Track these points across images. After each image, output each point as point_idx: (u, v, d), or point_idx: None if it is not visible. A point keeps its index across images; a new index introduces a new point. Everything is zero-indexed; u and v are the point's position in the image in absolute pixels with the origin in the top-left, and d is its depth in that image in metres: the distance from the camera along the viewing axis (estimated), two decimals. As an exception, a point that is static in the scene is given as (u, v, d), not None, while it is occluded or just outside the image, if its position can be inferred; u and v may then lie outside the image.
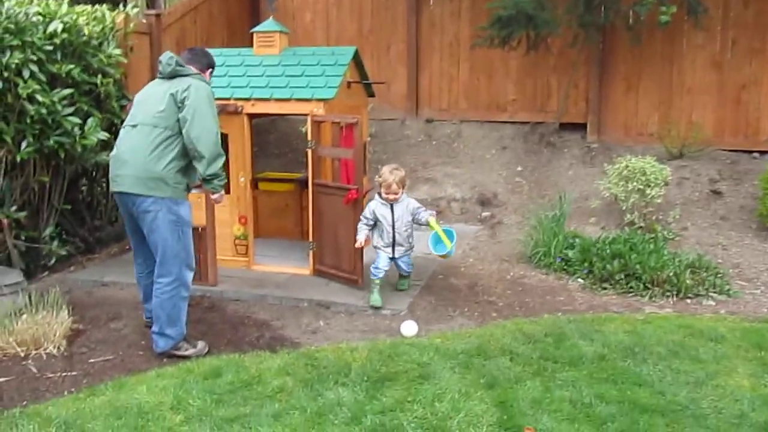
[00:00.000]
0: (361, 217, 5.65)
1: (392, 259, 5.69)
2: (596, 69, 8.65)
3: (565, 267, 6.36)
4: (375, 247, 5.72)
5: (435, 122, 9.44)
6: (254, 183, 6.76)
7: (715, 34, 8.17)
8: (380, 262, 5.60)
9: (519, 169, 8.68)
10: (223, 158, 4.59)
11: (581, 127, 8.92)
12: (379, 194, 5.66)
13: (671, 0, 7.21)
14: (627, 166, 7.15)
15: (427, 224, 5.63)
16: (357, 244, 5.63)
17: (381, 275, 5.56)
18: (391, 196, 5.58)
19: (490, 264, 6.62)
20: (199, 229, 5.58)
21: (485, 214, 7.99)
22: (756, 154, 8.19)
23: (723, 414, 3.82)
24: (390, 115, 9.48)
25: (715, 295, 5.87)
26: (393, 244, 5.64)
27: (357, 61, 6.63)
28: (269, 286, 5.90)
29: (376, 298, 5.48)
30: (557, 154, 8.78)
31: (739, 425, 3.71)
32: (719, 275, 6.12)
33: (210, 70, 4.95)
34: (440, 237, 5.59)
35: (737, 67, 8.20)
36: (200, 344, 4.68)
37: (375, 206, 5.63)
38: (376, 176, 5.80)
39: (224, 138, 6.18)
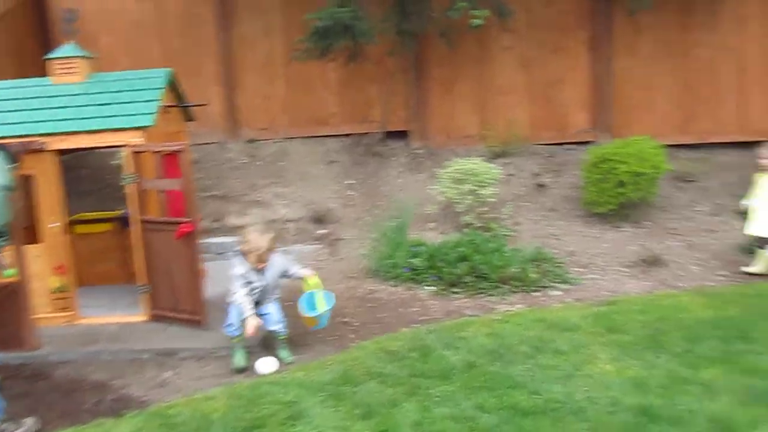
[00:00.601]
0: (235, 283, 4.81)
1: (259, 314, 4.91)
2: (414, 76, 8.72)
3: (414, 276, 6.26)
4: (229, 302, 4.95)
5: (257, 142, 9.07)
6: (69, 227, 6.03)
7: (522, 36, 8.51)
8: (232, 317, 4.82)
9: (349, 182, 8.54)
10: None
11: (406, 134, 8.95)
12: (242, 255, 4.89)
13: (481, 3, 7.39)
14: (458, 169, 7.21)
15: (303, 281, 5.02)
16: (251, 329, 4.63)
17: (237, 332, 4.79)
18: (261, 265, 4.89)
19: (336, 283, 6.37)
20: (8, 286, 4.84)
21: (321, 231, 7.74)
22: (568, 146, 8.63)
23: (598, 404, 3.83)
24: (208, 139, 8.98)
25: (558, 284, 6.03)
26: (257, 303, 4.93)
27: (173, 83, 6.14)
28: (101, 341, 5.25)
29: (238, 359, 4.76)
30: (385, 164, 8.74)
31: (615, 412, 3.73)
32: (558, 265, 6.31)
33: None
34: (315, 297, 4.98)
35: (544, 66, 8.59)
36: (29, 422, 4.02)
37: (243, 270, 4.85)
38: (240, 239, 5.00)
39: (28, 180, 5.46)
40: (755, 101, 8.42)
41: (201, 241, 5.62)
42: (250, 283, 4.86)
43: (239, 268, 4.85)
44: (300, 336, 5.13)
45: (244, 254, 4.86)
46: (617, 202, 7.14)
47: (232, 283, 4.85)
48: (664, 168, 7.20)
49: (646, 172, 7.04)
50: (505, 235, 7.02)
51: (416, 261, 6.32)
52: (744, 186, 7.65)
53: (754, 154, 8.10)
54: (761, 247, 6.02)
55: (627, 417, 3.66)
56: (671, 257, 6.53)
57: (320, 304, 4.97)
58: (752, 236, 6.14)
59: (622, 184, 7.03)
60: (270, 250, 4.88)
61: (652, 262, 6.39)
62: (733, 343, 4.54)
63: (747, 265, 6.16)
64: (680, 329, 4.82)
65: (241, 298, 4.75)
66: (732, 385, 3.97)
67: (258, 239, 4.84)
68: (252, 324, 4.63)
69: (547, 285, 5.98)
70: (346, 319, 5.53)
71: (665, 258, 6.47)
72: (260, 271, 4.90)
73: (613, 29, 8.45)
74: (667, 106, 8.53)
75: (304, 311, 4.94)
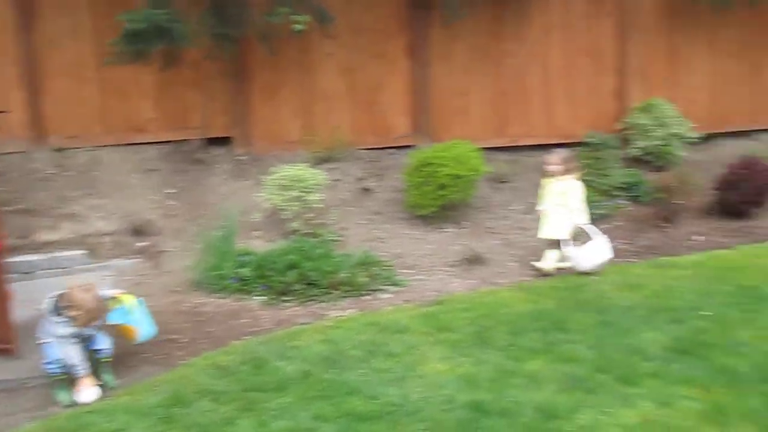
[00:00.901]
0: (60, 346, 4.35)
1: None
2: (235, 81, 8.50)
3: (242, 287, 6.09)
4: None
5: (67, 151, 8.42)
6: None
7: (343, 42, 8.57)
8: (53, 355, 4.39)
9: (169, 191, 8.16)
10: None
11: (228, 140, 8.71)
12: (57, 311, 4.40)
13: (302, 8, 7.35)
14: (284, 175, 7.13)
15: (115, 300, 4.67)
16: (88, 396, 4.32)
17: (58, 370, 4.38)
18: (93, 323, 4.45)
19: (160, 298, 6.05)
20: None
21: (141, 244, 7.34)
22: (392, 150, 8.81)
23: (433, 403, 3.92)
24: (10, 148, 8.21)
25: (388, 287, 6.13)
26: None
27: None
28: None
29: (63, 396, 4.35)
30: (207, 171, 8.45)
31: (450, 410, 3.84)
32: (386, 268, 6.42)
33: None
34: (128, 308, 4.65)
35: (365, 71, 8.71)
36: None
37: (70, 332, 4.37)
38: (59, 295, 4.47)
39: None
40: (560, 105, 9.06)
41: (6, 260, 5.13)
42: (79, 335, 4.44)
43: (63, 330, 4.37)
44: (125, 357, 4.82)
45: (72, 318, 4.37)
46: (439, 204, 7.39)
47: (47, 331, 4.42)
48: (482, 170, 7.55)
49: (465, 174, 7.34)
50: (333, 240, 7.03)
51: (244, 271, 6.16)
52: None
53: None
54: (557, 248, 6.35)
55: (461, 414, 3.78)
56: (491, 255, 6.86)
57: (132, 311, 4.67)
58: (547, 239, 6.46)
59: (443, 186, 7.29)
60: (99, 310, 4.45)
61: (473, 260, 6.68)
62: (552, 333, 4.84)
63: (546, 261, 6.49)
64: (503, 324, 5.06)
65: (72, 358, 4.35)
66: (554, 374, 4.23)
67: (83, 297, 4.36)
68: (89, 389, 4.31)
69: (376, 288, 6.06)
70: (172, 336, 5.27)
71: (486, 256, 6.78)
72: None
73: (431, 36, 8.74)
74: (483, 111, 8.96)
75: (121, 321, 4.64)
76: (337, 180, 8.12)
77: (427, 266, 6.65)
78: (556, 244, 6.35)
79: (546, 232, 6.43)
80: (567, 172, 6.39)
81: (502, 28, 8.85)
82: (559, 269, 6.35)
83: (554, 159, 6.45)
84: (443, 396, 3.99)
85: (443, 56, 8.78)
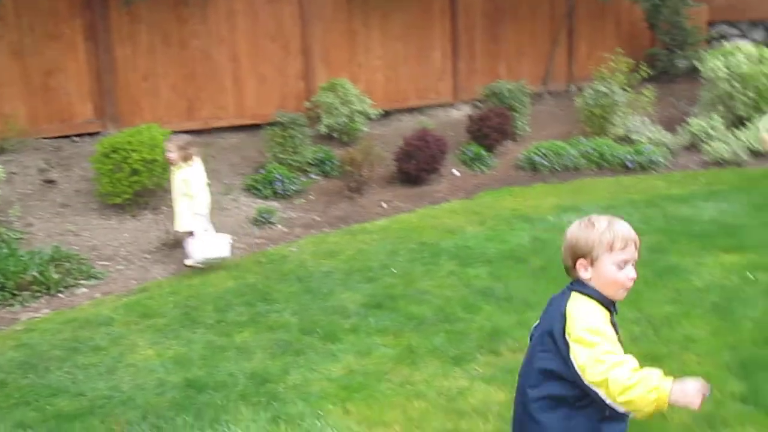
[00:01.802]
0: None
1: None
2: None
3: None
4: None
5: None
6: None
7: (11, 23, 7.79)
8: None
9: None
10: None
11: None
12: None
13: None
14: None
15: None
16: None
17: None
18: None
19: None
20: None
21: None
22: (75, 138, 8.28)
23: (146, 388, 3.88)
24: None
25: (84, 281, 5.83)
26: None
27: None
28: None
29: None
30: None
31: (163, 392, 3.83)
32: (82, 261, 6.08)
33: None
34: None
35: (40, 55, 8.03)
36: None
37: None
38: None
39: None
40: (249, 88, 9.21)
41: None
42: None
43: None
44: None
45: None
46: (133, 191, 7.13)
47: None
48: (176, 154, 7.43)
49: (159, 159, 7.18)
50: (17, 238, 6.44)
51: None
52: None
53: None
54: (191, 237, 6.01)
55: (175, 393, 3.79)
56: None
57: None
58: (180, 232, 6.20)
59: (136, 172, 7.04)
60: None
61: (173, 245, 6.59)
62: (258, 305, 5.02)
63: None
64: (210, 303, 5.13)
65: None
66: (262, 342, 4.41)
67: None
68: None
69: (72, 284, 5.72)
70: None
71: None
72: None
73: (110, 19, 8.30)
74: (172, 95, 8.78)
75: None
76: (14, 173, 7.43)
77: (126, 256, 6.43)
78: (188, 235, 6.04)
79: (177, 225, 6.12)
80: (184, 159, 6.03)
81: (184, 10, 8.73)
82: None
83: (170, 147, 6.08)
84: (155, 380, 3.95)
85: (127, 38, 8.42)
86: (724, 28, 13.01)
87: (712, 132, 9.43)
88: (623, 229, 2.20)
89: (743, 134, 9.24)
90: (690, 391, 2.00)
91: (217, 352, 4.31)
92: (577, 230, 2.23)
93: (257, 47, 9.21)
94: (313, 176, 8.41)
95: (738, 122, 9.62)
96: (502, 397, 3.59)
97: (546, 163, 8.99)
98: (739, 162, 8.93)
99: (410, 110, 10.41)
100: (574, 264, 2.22)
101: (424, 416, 3.53)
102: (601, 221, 2.21)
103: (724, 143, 9.11)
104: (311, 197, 8.08)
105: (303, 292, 5.27)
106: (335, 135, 9.08)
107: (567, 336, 2.12)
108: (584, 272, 2.20)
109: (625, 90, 10.09)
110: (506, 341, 4.28)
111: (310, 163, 8.50)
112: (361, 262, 5.89)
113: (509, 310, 4.76)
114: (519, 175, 8.95)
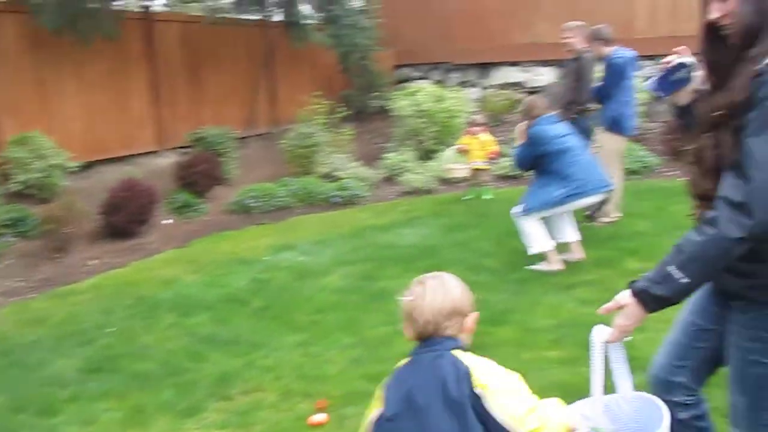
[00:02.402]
0: None
1: None
2: None
3: None
4: None
5: None
6: None
7: None
8: None
9: None
10: None
11: None
12: None
13: None
14: None
15: None
16: None
17: None
18: None
19: None
20: None
21: None
22: None
23: None
24: None
25: None
26: None
27: None
28: None
29: None
30: None
31: None
32: None
33: None
34: None
35: None
36: None
37: None
38: None
39: None
40: None
41: None
42: None
43: None
44: None
45: None
46: None
47: None
48: None
49: None
50: None
51: None
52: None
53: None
54: None
55: None
56: None
57: None
58: None
59: None
60: None
61: None
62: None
63: None
64: None
65: None
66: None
67: None
68: None
69: None
70: None
71: None
72: None
73: None
74: None
75: None
76: None
77: None
78: None
79: None
80: None
81: None
82: None
83: None
84: None
85: None
86: (408, 71, 14.45)
87: (406, 164, 10.42)
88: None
89: (432, 164, 10.33)
90: None
91: None
92: (450, 293, 2.17)
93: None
94: (8, 239, 7.69)
95: (427, 154, 10.75)
96: (236, 441, 3.63)
97: (257, 204, 9.21)
98: (430, 190, 9.95)
99: (114, 160, 9.99)
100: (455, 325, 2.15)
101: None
102: (447, 278, 2.22)
103: (416, 174, 10.11)
104: (9, 262, 7.38)
105: (8, 366, 4.81)
106: (31, 192, 8.40)
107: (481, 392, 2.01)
108: (457, 330, 2.16)
109: (326, 130, 10.74)
110: (236, 384, 4.33)
111: (3, 225, 7.76)
112: (74, 326, 5.52)
113: (236, 353, 4.81)
114: (232, 219, 9.05)
